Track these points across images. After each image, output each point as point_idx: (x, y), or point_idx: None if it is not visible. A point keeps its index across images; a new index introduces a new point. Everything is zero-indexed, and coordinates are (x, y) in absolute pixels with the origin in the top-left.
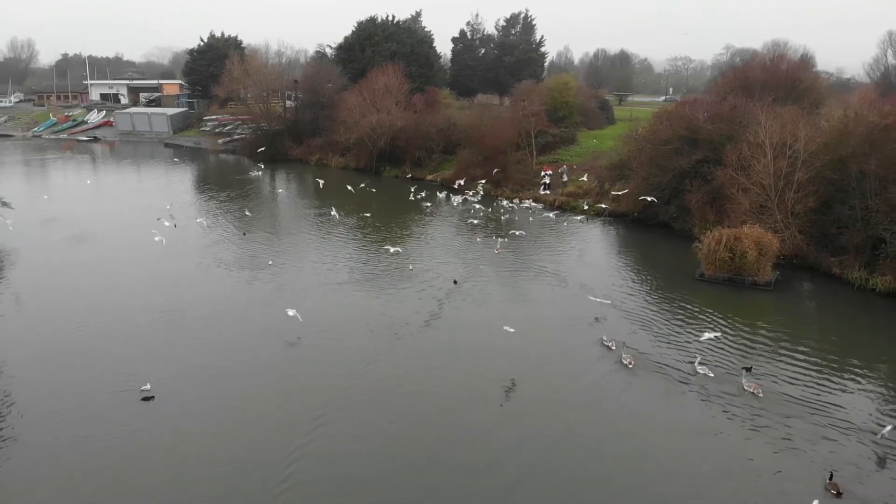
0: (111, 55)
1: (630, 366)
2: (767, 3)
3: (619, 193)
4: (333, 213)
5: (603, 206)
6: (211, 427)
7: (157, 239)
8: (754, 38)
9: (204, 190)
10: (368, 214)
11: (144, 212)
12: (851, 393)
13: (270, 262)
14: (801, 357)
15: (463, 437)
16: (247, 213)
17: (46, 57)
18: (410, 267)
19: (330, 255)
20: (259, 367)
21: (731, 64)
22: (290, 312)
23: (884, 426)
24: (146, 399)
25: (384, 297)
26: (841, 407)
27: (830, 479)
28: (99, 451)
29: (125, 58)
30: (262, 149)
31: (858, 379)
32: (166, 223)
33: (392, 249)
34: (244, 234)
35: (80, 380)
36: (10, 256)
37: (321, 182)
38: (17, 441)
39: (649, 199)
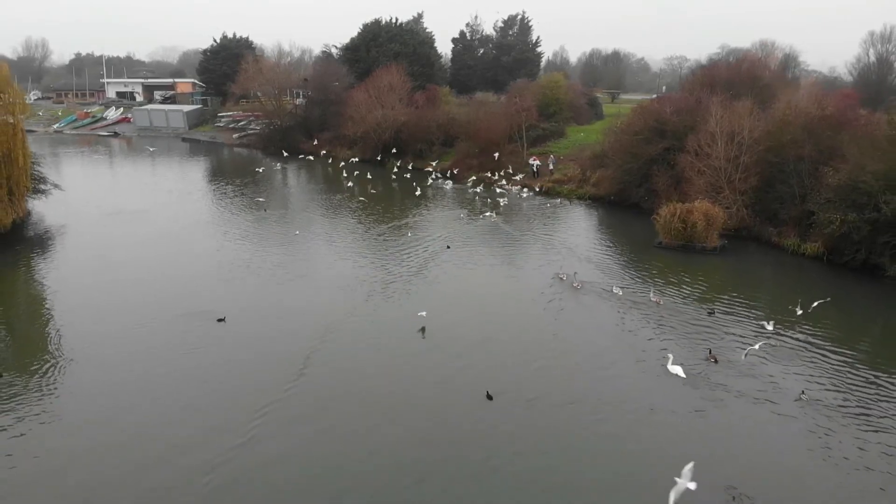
0: (121, 55)
1: (578, 287)
2: (770, 4)
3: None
4: (338, 197)
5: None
6: (251, 335)
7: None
8: (754, 38)
9: (225, 178)
10: (374, 192)
11: (173, 194)
12: (759, 320)
13: (297, 232)
14: (730, 296)
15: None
16: (260, 199)
17: (57, 56)
18: (409, 234)
19: (339, 228)
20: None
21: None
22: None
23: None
24: (220, 321)
25: (386, 260)
26: (741, 321)
27: (710, 353)
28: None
29: (134, 57)
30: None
31: (778, 316)
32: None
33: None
34: (265, 211)
35: (142, 308)
36: (62, 230)
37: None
38: (97, 353)
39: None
